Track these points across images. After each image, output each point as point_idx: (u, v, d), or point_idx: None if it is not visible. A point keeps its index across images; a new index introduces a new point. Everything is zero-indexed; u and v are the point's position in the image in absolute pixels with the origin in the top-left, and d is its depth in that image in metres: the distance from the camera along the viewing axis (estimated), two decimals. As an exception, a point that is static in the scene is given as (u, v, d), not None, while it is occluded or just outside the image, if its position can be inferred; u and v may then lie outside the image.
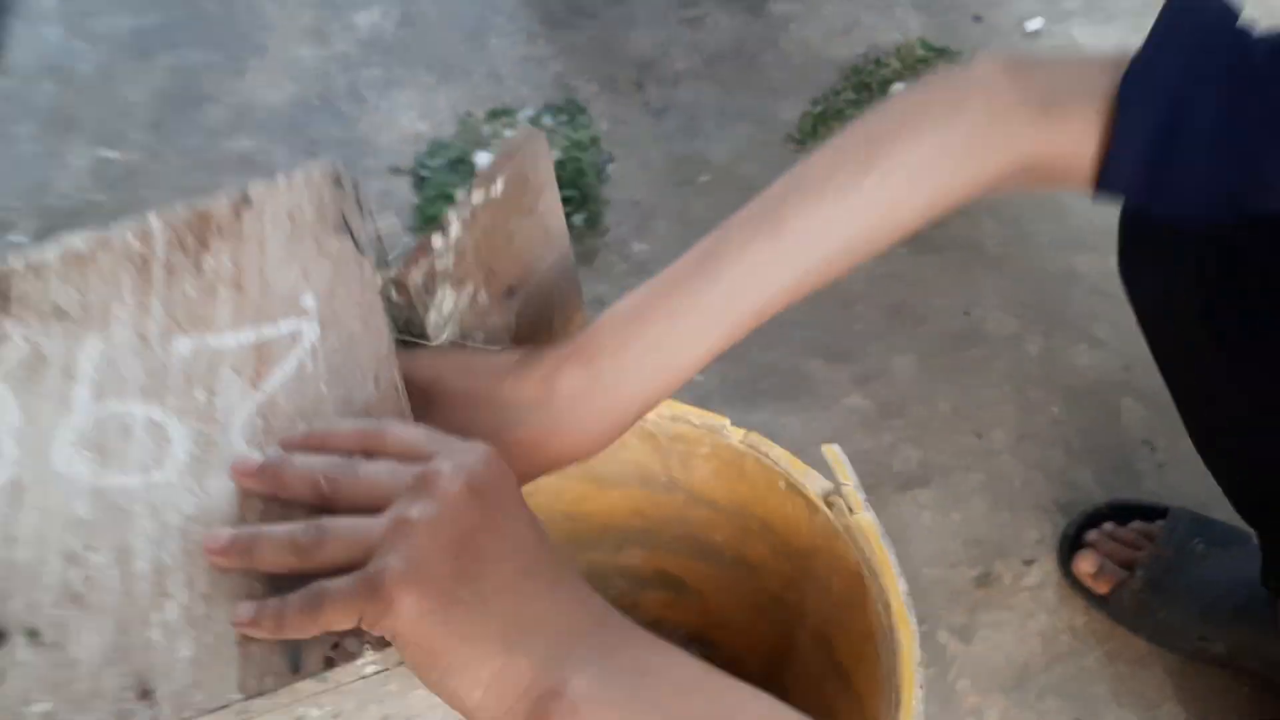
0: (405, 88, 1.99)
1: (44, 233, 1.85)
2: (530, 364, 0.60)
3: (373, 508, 0.46)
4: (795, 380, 1.49)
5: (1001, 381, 1.47)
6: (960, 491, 1.37)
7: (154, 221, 0.65)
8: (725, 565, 1.02)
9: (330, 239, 0.61)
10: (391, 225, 1.74)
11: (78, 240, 0.65)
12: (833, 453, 0.84)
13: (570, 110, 1.85)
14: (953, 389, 1.47)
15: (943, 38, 1.87)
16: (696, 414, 0.89)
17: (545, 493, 1.00)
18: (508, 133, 1.81)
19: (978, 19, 1.92)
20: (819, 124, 1.74)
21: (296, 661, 0.43)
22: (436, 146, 1.83)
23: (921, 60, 1.78)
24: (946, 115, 0.61)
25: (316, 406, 0.54)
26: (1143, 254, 0.86)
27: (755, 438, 0.88)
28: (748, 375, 1.50)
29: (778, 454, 0.88)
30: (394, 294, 0.62)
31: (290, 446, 0.50)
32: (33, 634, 0.46)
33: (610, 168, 1.79)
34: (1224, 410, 0.84)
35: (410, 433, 0.50)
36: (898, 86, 1.73)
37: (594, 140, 1.80)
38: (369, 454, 0.49)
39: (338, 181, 0.65)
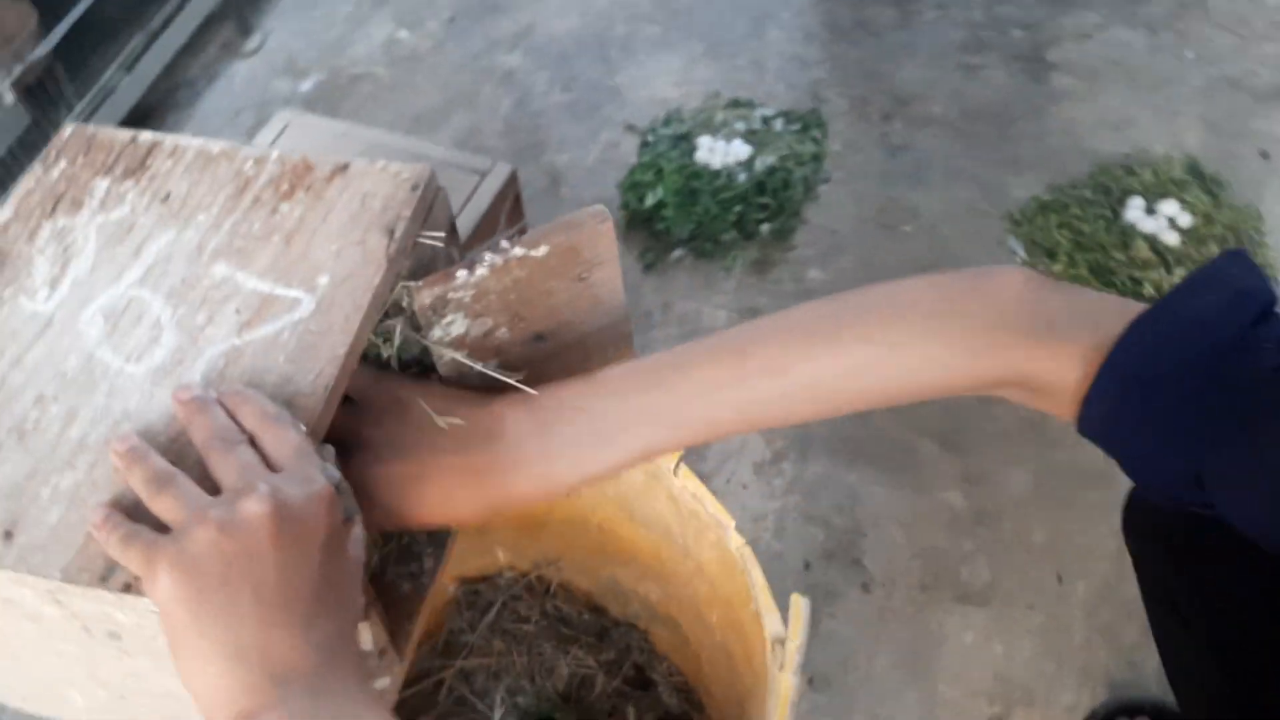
0: (673, 52, 2.05)
1: (326, 88, 2.06)
2: (491, 400, 0.65)
3: (217, 487, 0.52)
4: (902, 454, 1.48)
5: (1109, 536, 1.40)
6: (1015, 625, 1.33)
7: (273, 155, 0.75)
8: (715, 645, 1.05)
9: (374, 235, 0.67)
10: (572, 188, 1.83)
11: (216, 145, 0.76)
12: (797, 605, 0.84)
13: (808, 121, 1.86)
14: (1055, 523, 1.41)
15: (1216, 164, 1.73)
16: (711, 502, 0.91)
17: (582, 504, 1.07)
18: (739, 124, 1.84)
19: (1264, 155, 1.77)
20: (1041, 213, 1.68)
21: (108, 574, 0.52)
22: (672, 116, 1.89)
23: (1176, 183, 1.66)
24: (948, 308, 0.60)
25: (264, 372, 0.59)
26: (1132, 510, 0.82)
27: (748, 552, 0.89)
28: (857, 433, 1.50)
29: (758, 577, 0.88)
30: (405, 300, 0.68)
31: (222, 397, 0.56)
32: None
33: (823, 188, 1.79)
34: (1195, 683, 0.79)
35: (288, 444, 0.53)
36: (1136, 201, 1.64)
37: (816, 157, 1.81)
38: (255, 440, 0.54)
39: (416, 187, 0.71)
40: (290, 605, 0.49)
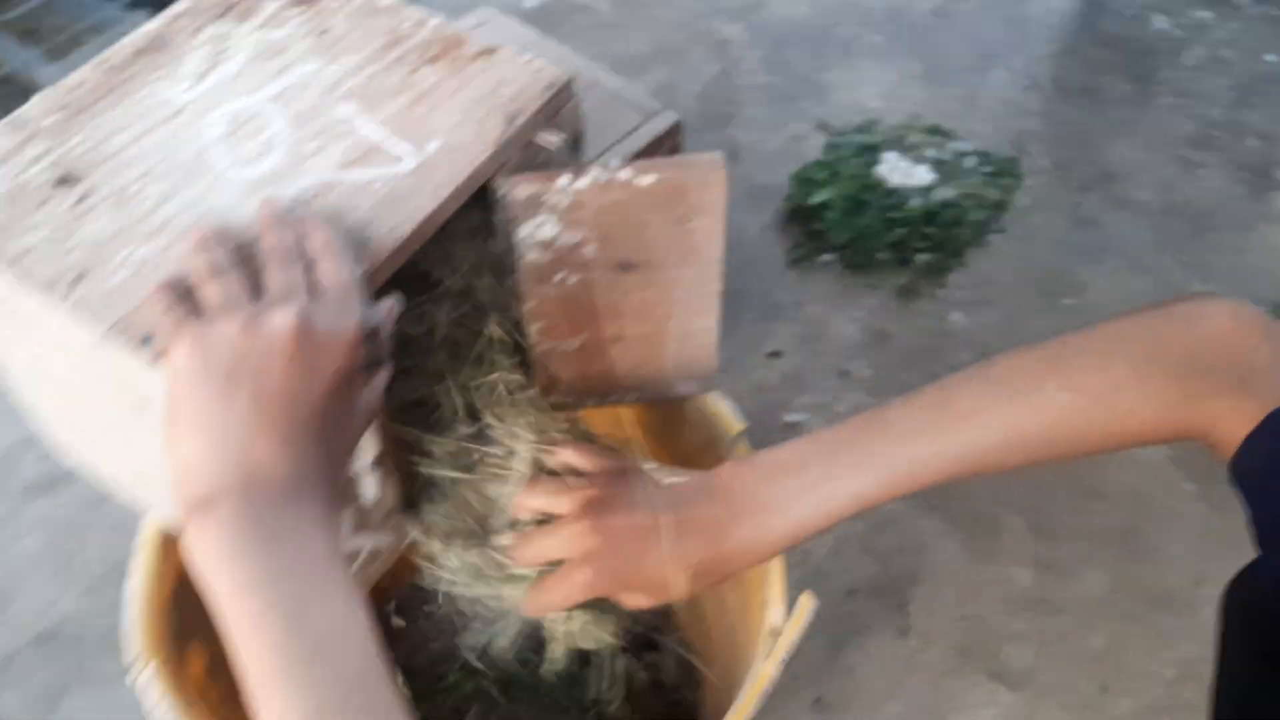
0: (889, 65, 2.02)
1: (548, 9, 2.11)
2: (710, 470, 0.68)
3: (258, 293, 0.54)
4: (984, 521, 1.43)
5: (1170, 665, 1.32)
6: (1040, 719, 1.28)
7: (433, 20, 0.78)
8: (725, 627, 1.03)
9: (494, 118, 0.69)
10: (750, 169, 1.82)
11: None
12: (803, 603, 0.83)
13: (1003, 168, 1.80)
14: (1117, 634, 1.34)
15: None
16: None
17: None
18: (930, 151, 1.80)
19: None
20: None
21: (145, 342, 0.55)
22: (867, 125, 1.87)
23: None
24: (1154, 353, 0.58)
25: (348, 211, 0.62)
26: (1241, 585, 0.76)
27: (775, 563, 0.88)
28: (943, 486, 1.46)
29: (777, 567, 0.86)
30: (500, 189, 0.69)
31: (300, 220, 0.59)
32: (85, 197, 0.61)
33: (995, 237, 1.74)
34: None
35: (338, 277, 0.56)
36: None
37: (998, 205, 1.75)
38: (312, 266, 0.56)
39: (550, 87, 0.73)
40: (282, 419, 0.51)
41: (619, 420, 1.06)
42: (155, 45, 0.73)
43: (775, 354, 1.59)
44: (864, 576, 1.39)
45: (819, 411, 1.54)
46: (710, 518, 0.65)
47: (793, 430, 1.51)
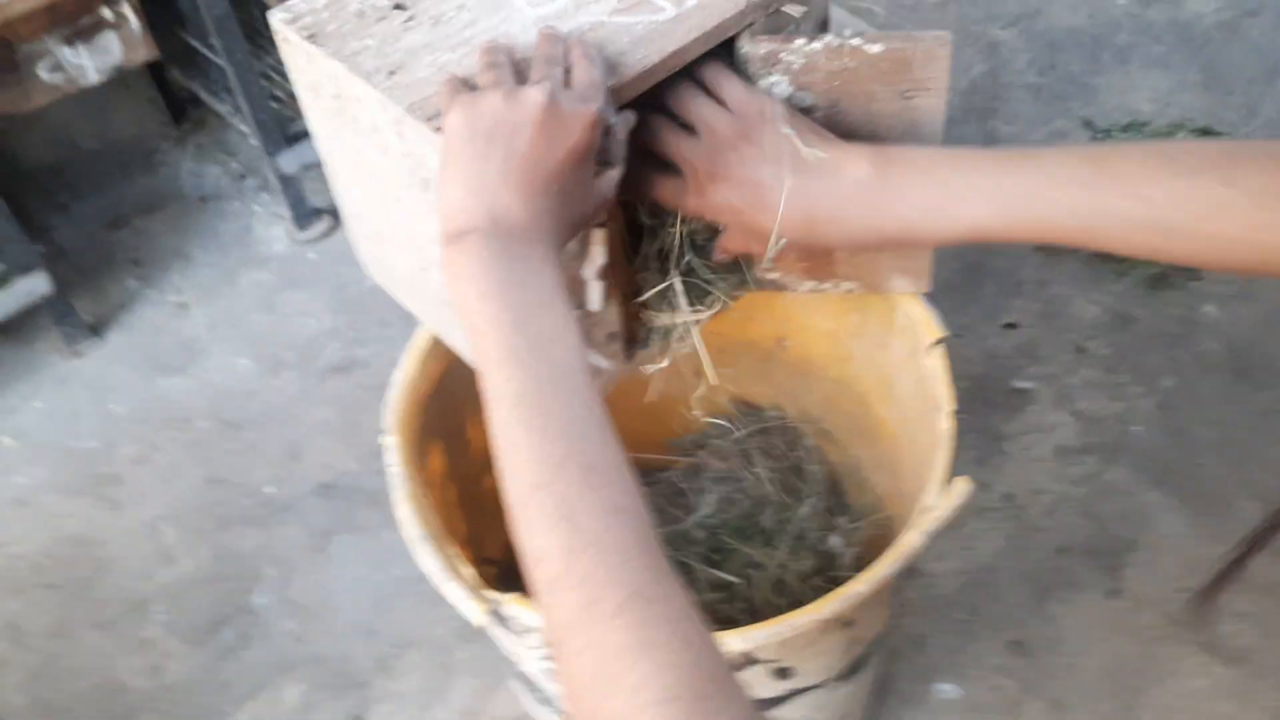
0: (1166, 72, 2.00)
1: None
2: (845, 142, 0.74)
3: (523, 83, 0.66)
4: (1218, 501, 1.39)
5: None
6: (1257, 696, 1.22)
7: None
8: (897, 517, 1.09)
9: None
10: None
11: None
12: (958, 485, 0.87)
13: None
14: None
15: None
16: (943, 383, 0.94)
17: (849, 369, 1.14)
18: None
19: None
20: None
21: (433, 116, 0.68)
22: (1132, 125, 1.86)
23: None
24: None
25: (609, 43, 0.73)
26: None
27: (948, 433, 0.91)
28: (1176, 460, 1.43)
29: (943, 457, 0.89)
30: (742, 45, 0.78)
31: (570, 40, 0.71)
32: (411, 18, 0.76)
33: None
34: None
35: (587, 76, 0.67)
36: None
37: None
38: (567, 70, 0.67)
39: None
40: (526, 177, 0.61)
41: (829, 331, 1.13)
42: None
43: (1011, 325, 1.61)
44: (1079, 537, 1.38)
45: (1049, 381, 1.54)
46: (823, 194, 0.71)
47: (1019, 396, 1.53)
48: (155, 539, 1.50)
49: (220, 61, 1.71)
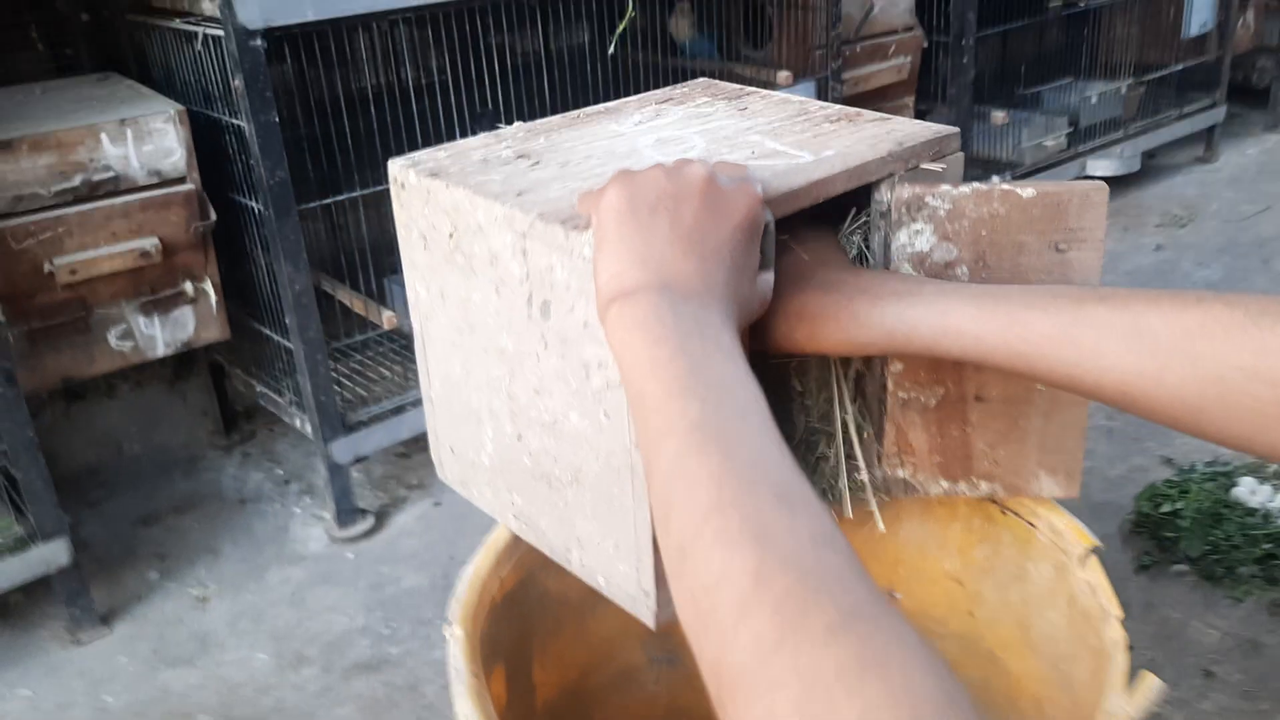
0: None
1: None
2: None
3: None
4: None
5: None
6: None
7: (836, 106, 0.90)
8: None
9: (885, 143, 0.75)
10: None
11: (797, 97, 0.93)
12: (1148, 683, 0.74)
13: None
14: None
15: None
16: (1106, 592, 0.84)
17: (978, 621, 1.01)
18: (1294, 482, 1.69)
19: None
20: None
21: (568, 220, 0.62)
22: (1216, 461, 1.79)
23: None
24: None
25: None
26: None
27: (1121, 644, 0.80)
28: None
29: (1119, 669, 0.78)
30: (885, 191, 0.74)
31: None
32: (536, 164, 0.74)
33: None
34: None
35: (739, 171, 0.64)
36: None
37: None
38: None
39: (940, 133, 0.81)
40: (696, 245, 0.57)
41: (950, 574, 1.01)
42: (608, 110, 0.90)
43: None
44: None
45: (1180, 706, 1.35)
46: (839, 285, 0.67)
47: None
48: (128, 845, 1.26)
49: (289, 343, 1.70)
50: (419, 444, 1.99)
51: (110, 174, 1.52)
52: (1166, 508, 1.63)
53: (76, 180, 1.50)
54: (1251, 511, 1.61)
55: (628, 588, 0.70)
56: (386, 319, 1.74)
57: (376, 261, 1.87)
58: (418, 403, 1.82)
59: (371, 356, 1.95)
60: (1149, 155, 3.17)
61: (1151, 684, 0.73)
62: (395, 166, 0.78)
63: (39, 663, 1.56)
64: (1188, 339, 0.55)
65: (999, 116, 2.59)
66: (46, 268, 1.49)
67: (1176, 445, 1.89)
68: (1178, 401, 0.56)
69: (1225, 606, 1.51)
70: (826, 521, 0.42)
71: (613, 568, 0.70)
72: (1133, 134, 2.93)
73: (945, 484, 0.84)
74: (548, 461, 0.73)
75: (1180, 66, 3.04)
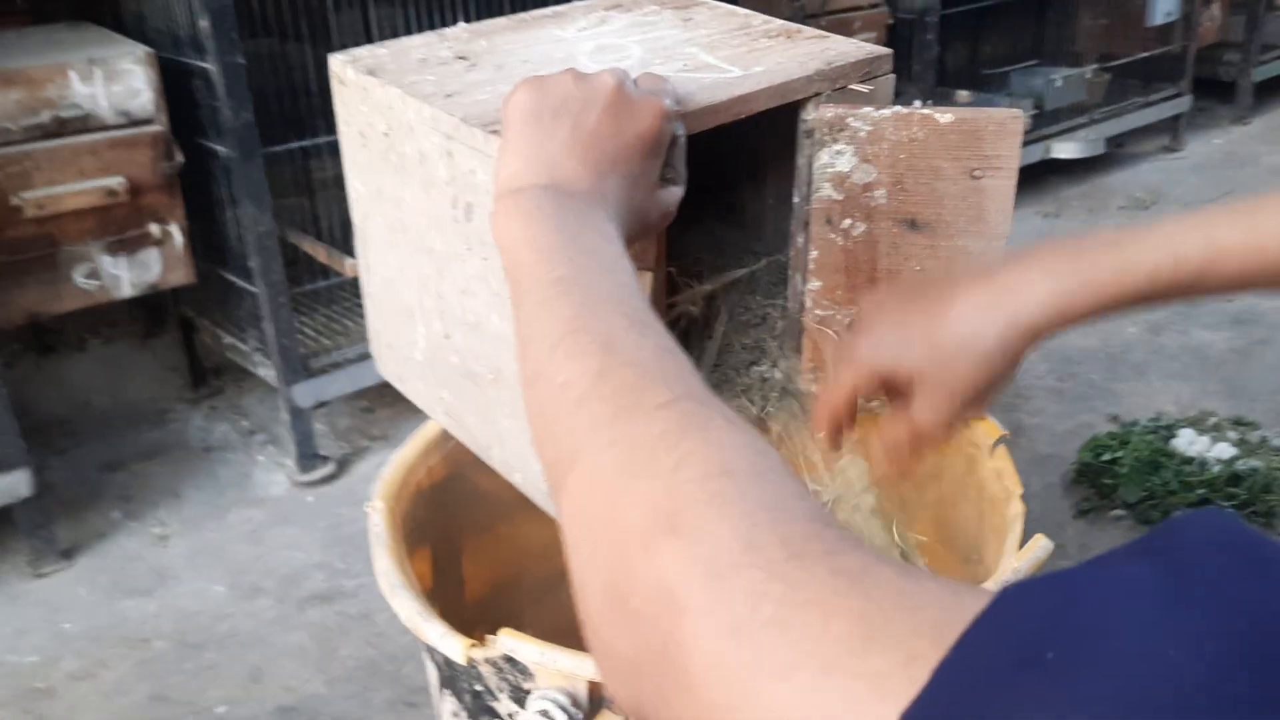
0: (1186, 384, 2.01)
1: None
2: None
3: None
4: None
5: None
6: None
7: (779, 22, 0.93)
8: None
9: (814, 62, 0.77)
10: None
11: (743, 11, 0.96)
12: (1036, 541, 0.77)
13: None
14: None
15: None
16: (1010, 475, 0.88)
17: None
18: (1231, 434, 1.73)
19: None
20: None
21: (486, 125, 0.67)
22: (1159, 417, 1.83)
23: None
24: None
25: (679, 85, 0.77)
26: None
27: (1019, 521, 0.83)
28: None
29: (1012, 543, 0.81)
30: (808, 111, 0.77)
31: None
32: (473, 66, 0.78)
33: (1313, 519, 1.60)
34: None
35: (656, 80, 0.65)
36: None
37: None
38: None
39: (872, 55, 0.83)
40: (592, 152, 0.58)
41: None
42: (556, 14, 0.93)
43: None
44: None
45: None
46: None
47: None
48: (78, 754, 1.29)
49: (254, 288, 1.73)
50: (383, 398, 2.02)
51: (79, 112, 1.56)
52: (1106, 457, 1.67)
53: (45, 117, 1.53)
54: (1189, 460, 1.65)
55: (541, 484, 0.72)
56: (349, 266, 1.77)
57: (343, 215, 1.91)
58: (381, 352, 1.86)
59: (337, 311, 1.99)
60: (1116, 143, 3.23)
61: (1040, 543, 0.77)
62: (335, 62, 0.81)
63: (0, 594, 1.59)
64: None
65: (963, 96, 2.64)
66: (14, 201, 1.52)
67: (1123, 403, 1.94)
68: None
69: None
70: (674, 344, 0.44)
71: (529, 464, 0.73)
72: (1098, 119, 2.98)
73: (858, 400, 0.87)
74: (472, 360, 0.76)
75: (1145, 54, 3.10)
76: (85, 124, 1.57)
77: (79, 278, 1.64)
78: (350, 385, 1.84)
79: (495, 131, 0.65)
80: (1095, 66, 2.98)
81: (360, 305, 1.99)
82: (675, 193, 0.64)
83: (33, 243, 1.57)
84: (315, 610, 1.52)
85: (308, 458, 1.83)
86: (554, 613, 1.15)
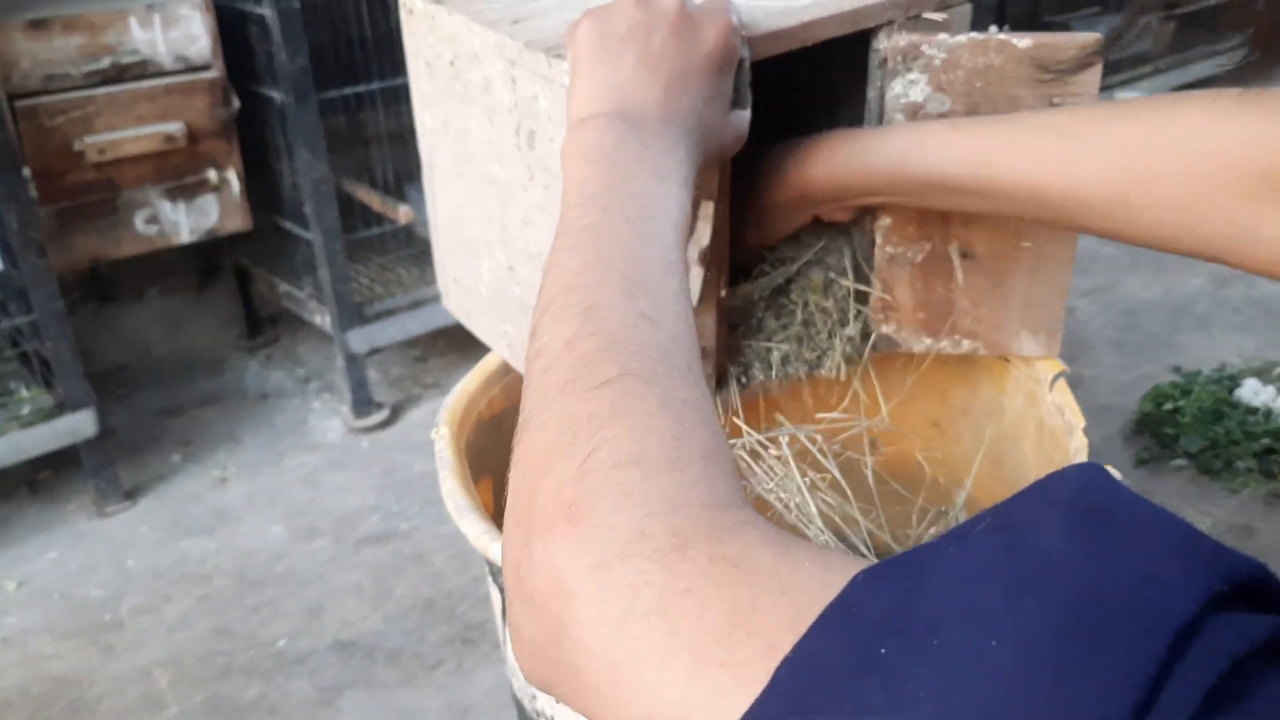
0: (1251, 335, 1.96)
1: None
2: None
3: None
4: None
5: None
6: None
7: None
8: None
9: None
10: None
11: None
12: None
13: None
14: None
15: None
16: (1072, 409, 0.86)
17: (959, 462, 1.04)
18: (1299, 387, 1.69)
19: None
20: None
21: (552, 49, 0.64)
22: (1223, 367, 1.80)
23: None
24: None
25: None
26: None
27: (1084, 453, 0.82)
28: None
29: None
30: (880, 40, 0.73)
31: None
32: None
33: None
34: None
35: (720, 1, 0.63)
36: None
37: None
38: None
39: None
40: (661, 75, 0.57)
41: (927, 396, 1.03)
42: None
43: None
44: None
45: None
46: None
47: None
48: (146, 684, 1.32)
49: (309, 235, 1.75)
50: (435, 346, 2.04)
51: (138, 57, 1.57)
52: (1168, 406, 1.64)
53: (105, 62, 1.55)
54: (1253, 410, 1.62)
55: None
56: (403, 213, 1.78)
57: (396, 167, 1.92)
58: (433, 299, 1.87)
59: (390, 259, 2.00)
60: (1179, 95, 3.15)
61: (1109, 470, 0.76)
62: (403, -9, 0.80)
63: (66, 531, 1.63)
64: (1096, 128, 0.61)
65: (1023, 44, 2.58)
66: (76, 146, 1.54)
67: (1186, 355, 1.90)
68: (1106, 196, 0.61)
69: (1221, 497, 1.52)
70: (667, 305, 0.44)
71: None
72: (1162, 69, 2.90)
73: (928, 340, 0.84)
74: (532, 292, 0.76)
75: (1213, 2, 3.01)
76: (144, 70, 1.58)
77: (139, 223, 1.66)
78: (402, 333, 1.85)
79: (559, 56, 0.64)
80: (1161, 14, 2.89)
81: (412, 254, 2.02)
82: (744, 116, 0.63)
83: (94, 187, 1.60)
84: (371, 551, 1.55)
85: (362, 404, 1.85)
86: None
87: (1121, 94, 2.79)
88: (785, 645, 0.28)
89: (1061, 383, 0.87)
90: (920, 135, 0.68)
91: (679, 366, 0.41)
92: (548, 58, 0.65)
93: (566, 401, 0.38)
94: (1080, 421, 0.82)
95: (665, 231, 0.49)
